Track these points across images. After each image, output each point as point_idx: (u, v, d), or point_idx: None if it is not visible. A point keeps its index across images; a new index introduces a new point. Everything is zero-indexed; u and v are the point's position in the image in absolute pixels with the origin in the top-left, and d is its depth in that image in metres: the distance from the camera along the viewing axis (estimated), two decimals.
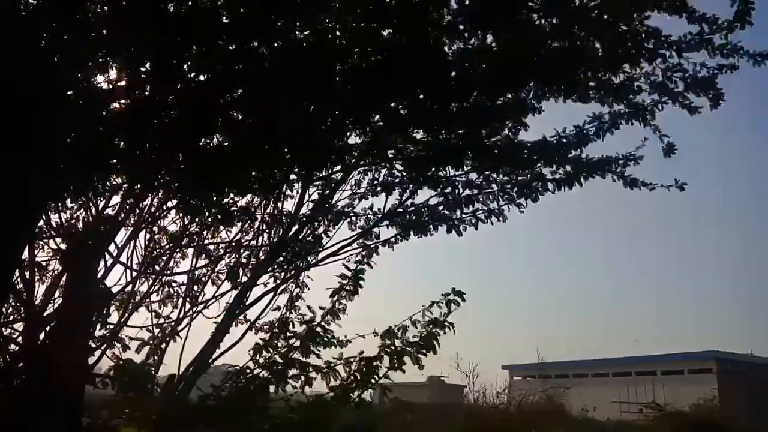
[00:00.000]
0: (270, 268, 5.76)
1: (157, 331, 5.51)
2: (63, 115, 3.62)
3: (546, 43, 4.48)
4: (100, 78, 4.08)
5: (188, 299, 5.85)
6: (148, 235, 5.84)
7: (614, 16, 4.50)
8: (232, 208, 5.62)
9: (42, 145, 3.52)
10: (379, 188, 5.98)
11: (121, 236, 5.19)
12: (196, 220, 5.82)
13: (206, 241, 6.19)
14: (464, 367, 19.37)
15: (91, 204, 5.02)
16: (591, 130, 5.28)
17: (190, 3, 3.80)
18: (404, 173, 5.83)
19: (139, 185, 4.79)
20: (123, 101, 4.14)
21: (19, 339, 4.54)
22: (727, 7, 4.51)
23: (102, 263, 4.82)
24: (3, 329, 4.47)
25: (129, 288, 5.48)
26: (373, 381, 4.56)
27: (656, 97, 5.00)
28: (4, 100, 3.28)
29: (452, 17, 4.31)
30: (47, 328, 4.45)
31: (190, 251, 6.14)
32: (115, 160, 4.32)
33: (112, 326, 5.17)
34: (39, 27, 3.46)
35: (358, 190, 6.17)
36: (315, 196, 5.99)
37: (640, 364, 44.17)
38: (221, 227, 5.95)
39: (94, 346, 4.73)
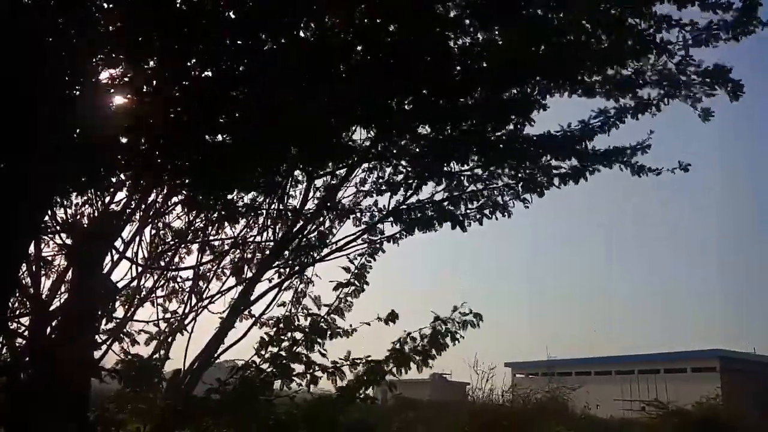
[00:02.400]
0: (275, 264, 5.77)
1: (162, 325, 5.54)
2: (65, 113, 3.62)
3: (552, 38, 4.47)
4: (104, 75, 4.09)
5: (194, 294, 5.86)
6: (153, 231, 5.86)
7: (622, 11, 4.49)
8: (237, 204, 5.63)
9: (44, 144, 3.53)
10: (383, 187, 5.98)
11: (126, 232, 5.21)
12: (202, 215, 5.83)
13: (211, 237, 6.20)
14: (470, 364, 19.27)
15: (96, 200, 5.03)
16: (596, 125, 5.27)
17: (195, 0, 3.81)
18: (409, 169, 5.82)
19: (143, 182, 4.80)
20: (127, 98, 4.15)
21: (26, 333, 4.56)
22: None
23: (108, 258, 4.84)
24: (9, 323, 4.49)
25: (135, 283, 5.49)
26: (378, 379, 4.59)
27: (664, 91, 4.97)
28: (5, 100, 3.29)
29: (458, 12, 4.30)
30: (53, 323, 4.47)
31: (195, 247, 6.16)
32: (119, 157, 4.32)
33: (118, 321, 5.19)
34: (41, 25, 3.46)
35: (363, 188, 6.17)
36: (320, 193, 6.00)
37: (643, 362, 44.10)
38: (226, 223, 5.96)
39: (100, 340, 4.75)
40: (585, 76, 4.83)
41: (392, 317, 4.81)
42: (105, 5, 3.81)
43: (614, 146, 5.44)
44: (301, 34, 4.28)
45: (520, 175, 5.63)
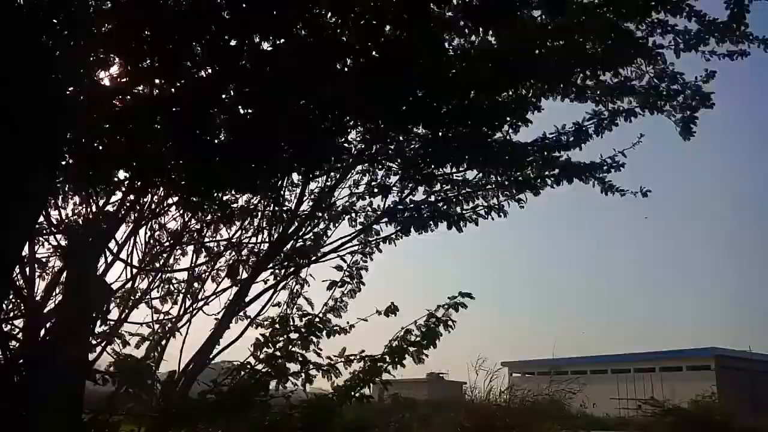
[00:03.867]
0: (270, 265, 5.77)
1: (157, 327, 5.53)
2: (63, 112, 3.61)
3: (546, 41, 4.48)
4: (101, 74, 4.08)
5: (188, 296, 5.86)
6: (148, 232, 5.85)
7: (617, 16, 4.50)
8: (233, 206, 5.62)
9: (41, 143, 3.52)
10: (376, 189, 5.99)
11: (121, 233, 5.19)
12: (197, 217, 5.81)
13: (206, 239, 6.19)
14: (471, 363, 19.24)
15: (91, 200, 5.01)
16: (590, 127, 5.29)
17: None
18: (402, 172, 5.83)
19: (139, 182, 4.79)
20: (124, 97, 4.13)
21: (20, 335, 4.55)
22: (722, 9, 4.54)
23: (102, 260, 4.82)
24: (3, 325, 4.47)
25: (129, 284, 5.48)
26: (375, 380, 4.59)
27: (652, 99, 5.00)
28: (3, 98, 3.28)
29: (453, 14, 4.30)
30: (47, 325, 4.45)
31: (190, 248, 6.15)
32: (115, 157, 4.31)
33: (112, 322, 5.18)
34: (39, 24, 3.45)
35: (356, 190, 6.17)
36: (315, 194, 5.99)
37: (638, 361, 44.28)
38: (221, 224, 5.95)
39: (94, 342, 4.73)
40: (578, 81, 4.85)
41: (392, 310, 4.81)
42: (101, 5, 3.80)
43: (592, 161, 5.54)
44: (299, 33, 4.26)
45: (513, 177, 5.65)
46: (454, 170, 5.59)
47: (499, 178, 5.69)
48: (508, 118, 5.16)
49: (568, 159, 5.46)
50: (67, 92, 3.76)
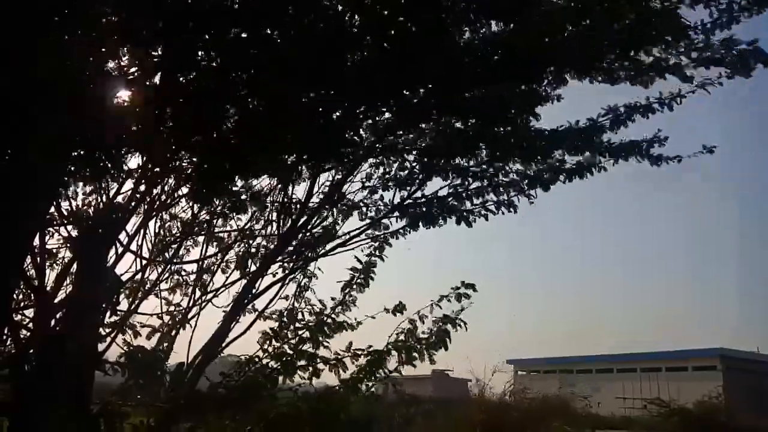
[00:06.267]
0: (279, 258, 5.76)
1: (167, 318, 5.54)
2: (68, 106, 3.61)
3: (560, 28, 4.41)
4: (111, 64, 4.07)
5: (198, 287, 5.86)
6: (158, 223, 5.85)
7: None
8: (243, 197, 5.62)
9: (50, 135, 3.52)
10: (390, 183, 5.96)
11: (131, 224, 5.20)
12: (207, 208, 5.81)
13: (216, 230, 6.19)
14: (475, 363, 19.35)
15: (102, 191, 5.02)
16: (605, 123, 5.23)
17: None
18: (415, 164, 5.80)
19: (149, 172, 4.79)
20: (134, 88, 4.13)
21: (30, 325, 4.56)
22: None
23: (112, 251, 4.83)
24: (14, 315, 4.48)
25: (139, 276, 5.49)
26: (381, 374, 4.58)
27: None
28: (11, 90, 3.28)
29: (465, 3, 4.27)
30: (58, 315, 4.47)
31: (200, 239, 6.15)
32: (126, 147, 4.31)
33: (122, 313, 5.19)
34: (49, 14, 3.44)
35: (369, 183, 6.14)
36: (325, 187, 5.98)
37: (644, 361, 44.10)
38: (231, 215, 5.94)
39: (104, 333, 4.75)
40: (604, 63, 4.75)
41: (399, 308, 4.79)
42: None
43: (630, 139, 5.37)
44: (310, 24, 4.24)
45: (527, 171, 5.59)
46: (471, 163, 5.55)
47: (511, 174, 5.64)
48: (514, 111, 5.10)
49: (602, 141, 5.34)
50: (74, 85, 3.75)
